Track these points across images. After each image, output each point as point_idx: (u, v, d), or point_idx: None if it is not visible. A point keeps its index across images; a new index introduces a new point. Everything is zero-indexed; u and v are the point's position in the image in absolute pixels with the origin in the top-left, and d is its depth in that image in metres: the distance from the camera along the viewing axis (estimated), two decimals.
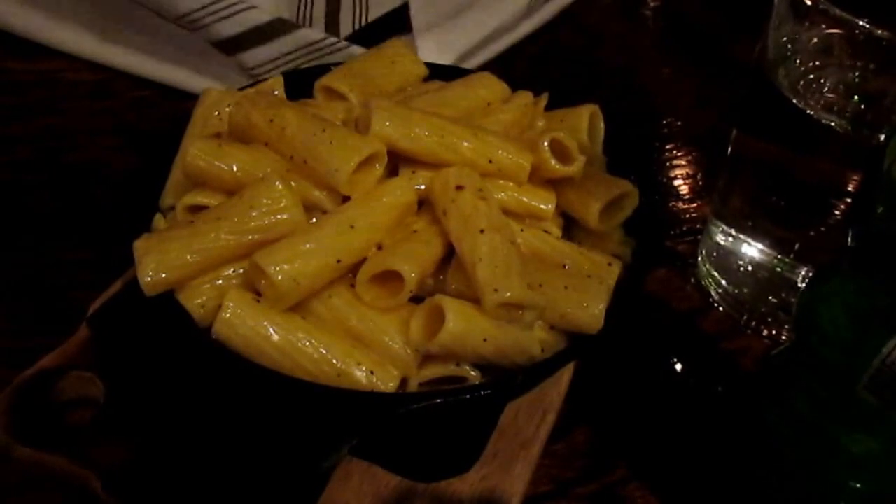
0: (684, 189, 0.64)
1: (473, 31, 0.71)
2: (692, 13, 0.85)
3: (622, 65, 0.78)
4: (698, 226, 0.60)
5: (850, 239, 0.33)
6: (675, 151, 0.68)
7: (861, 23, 0.40)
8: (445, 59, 0.68)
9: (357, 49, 0.66)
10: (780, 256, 0.50)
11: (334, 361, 0.39)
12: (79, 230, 0.57)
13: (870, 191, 0.36)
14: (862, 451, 0.34)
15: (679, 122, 0.71)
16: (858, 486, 0.35)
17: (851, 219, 0.40)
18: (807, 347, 0.34)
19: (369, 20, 0.76)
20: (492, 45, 0.74)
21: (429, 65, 0.54)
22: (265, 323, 0.39)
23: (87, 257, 0.54)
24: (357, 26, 0.75)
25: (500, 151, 0.44)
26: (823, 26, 0.44)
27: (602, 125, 0.51)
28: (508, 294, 0.38)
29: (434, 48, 0.68)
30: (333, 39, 0.66)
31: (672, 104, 0.73)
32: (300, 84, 0.51)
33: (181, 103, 0.63)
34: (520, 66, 0.75)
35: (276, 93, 0.50)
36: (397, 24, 0.74)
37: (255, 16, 0.64)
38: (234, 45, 0.64)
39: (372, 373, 0.39)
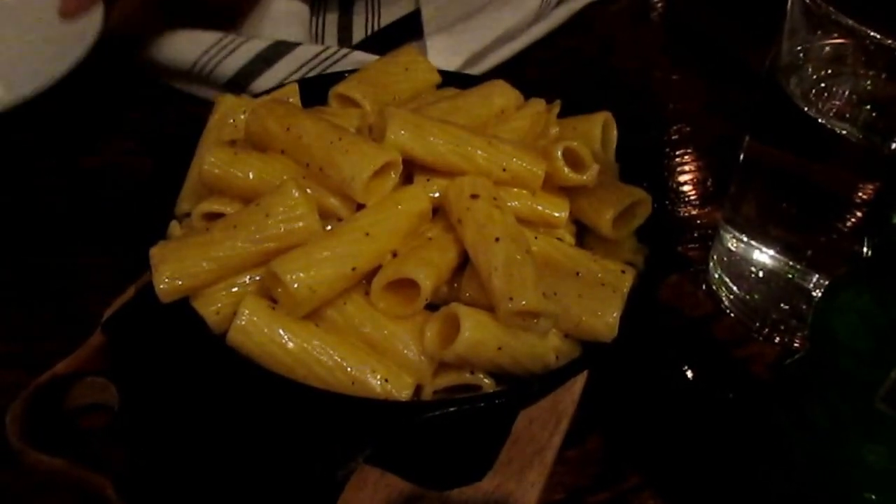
0: (695, 195, 0.64)
1: (483, 34, 0.71)
2: (702, 19, 0.86)
3: (632, 70, 0.78)
4: (709, 231, 0.60)
5: (866, 249, 0.33)
6: (685, 157, 0.68)
7: (872, 33, 0.40)
8: (455, 62, 0.68)
9: (360, 55, 0.67)
10: (791, 263, 0.50)
11: (349, 369, 0.40)
12: (94, 235, 0.57)
13: (886, 200, 0.36)
14: (878, 463, 0.34)
15: (689, 128, 0.71)
16: (874, 497, 0.34)
17: (867, 228, 0.40)
18: (823, 358, 0.34)
19: (381, 26, 0.76)
20: (501, 49, 0.74)
21: (442, 72, 0.54)
22: (280, 330, 0.40)
23: (102, 262, 0.54)
24: (369, 31, 0.76)
25: (514, 160, 0.45)
26: (835, 35, 0.44)
27: (615, 133, 0.51)
28: (524, 303, 0.38)
29: (444, 50, 0.68)
30: (334, 49, 0.67)
31: (682, 110, 0.73)
32: (314, 91, 0.52)
33: (197, 108, 0.63)
34: (531, 71, 0.75)
35: (291, 100, 0.50)
36: (409, 29, 0.74)
37: (255, 45, 0.66)
38: (242, 78, 0.66)
39: (386, 381, 0.39)
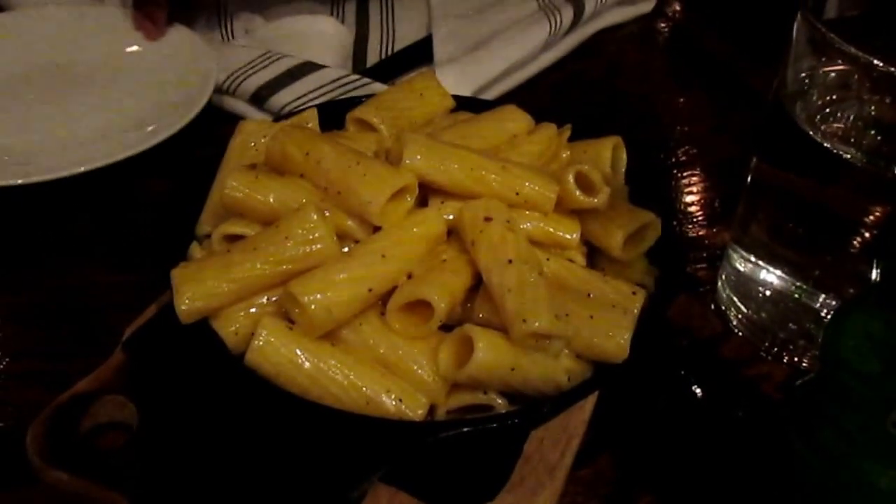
0: (703, 216, 0.65)
1: (492, 64, 0.73)
2: (707, 43, 0.87)
3: (640, 93, 0.79)
4: (717, 252, 0.61)
5: (875, 273, 0.33)
6: (693, 178, 0.69)
7: (876, 61, 0.41)
8: (464, 91, 0.69)
9: (378, 86, 0.68)
10: (799, 283, 0.51)
11: (363, 389, 0.40)
12: (115, 254, 0.58)
13: (894, 226, 0.36)
14: (888, 486, 0.34)
15: (696, 150, 0.72)
16: None
17: (877, 253, 0.40)
18: (833, 381, 0.35)
19: (395, 50, 0.78)
20: (509, 78, 0.75)
21: (455, 97, 0.56)
22: (297, 351, 0.40)
23: (122, 281, 0.55)
24: (383, 55, 0.78)
25: (526, 184, 0.45)
26: (840, 62, 0.44)
27: (624, 156, 0.52)
28: (537, 324, 0.39)
29: (453, 80, 0.70)
30: (355, 77, 0.70)
31: (689, 132, 0.74)
32: (332, 116, 0.53)
33: (218, 128, 0.64)
34: (541, 95, 0.76)
35: (310, 125, 0.51)
36: (421, 54, 0.75)
37: (287, 61, 0.70)
38: (265, 92, 0.69)
39: (400, 400, 0.40)
